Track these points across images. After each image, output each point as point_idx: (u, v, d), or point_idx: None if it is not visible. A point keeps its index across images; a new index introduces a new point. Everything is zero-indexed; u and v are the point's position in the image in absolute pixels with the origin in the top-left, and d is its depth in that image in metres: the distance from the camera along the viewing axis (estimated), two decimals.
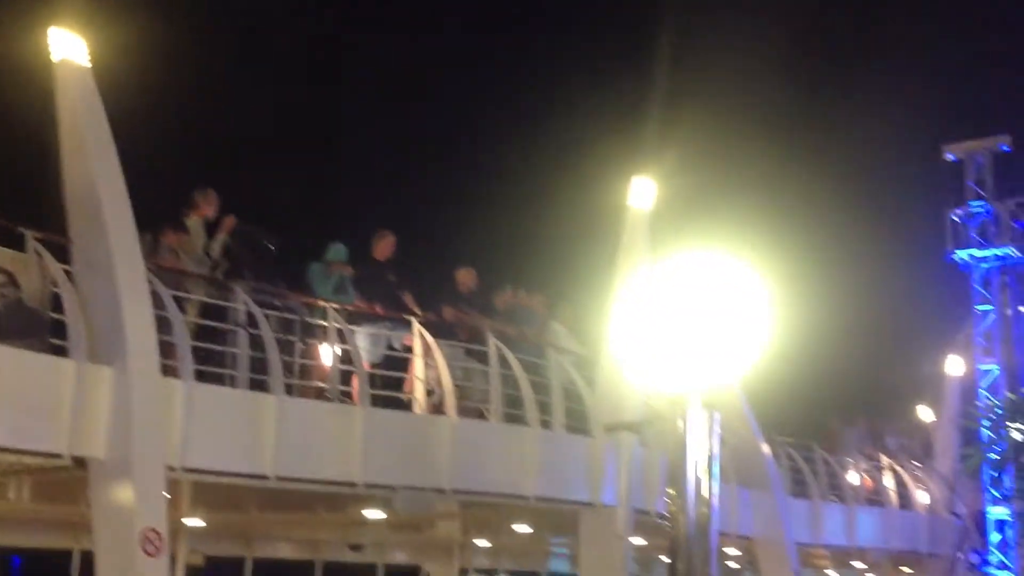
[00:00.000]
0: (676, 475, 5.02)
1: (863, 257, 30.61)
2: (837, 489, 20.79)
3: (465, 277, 13.97)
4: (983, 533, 19.76)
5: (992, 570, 18.71)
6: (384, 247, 13.20)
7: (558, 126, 28.83)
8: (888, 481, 22.05)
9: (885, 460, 22.46)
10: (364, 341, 12.24)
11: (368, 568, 20.59)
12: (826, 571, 28.29)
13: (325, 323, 11.57)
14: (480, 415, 12.80)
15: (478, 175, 28.81)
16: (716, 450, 5.07)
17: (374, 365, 12.26)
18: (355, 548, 16.28)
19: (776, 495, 18.09)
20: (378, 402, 11.56)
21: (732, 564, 26.08)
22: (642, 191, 13.44)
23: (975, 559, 20.73)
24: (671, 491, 5.01)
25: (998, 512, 18.43)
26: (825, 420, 23.83)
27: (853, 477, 21.45)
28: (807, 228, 27.77)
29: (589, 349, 14.14)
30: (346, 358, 11.61)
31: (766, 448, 18.35)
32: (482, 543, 20.34)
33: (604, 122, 25.90)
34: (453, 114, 33.02)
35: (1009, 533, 18.52)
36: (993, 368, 19.39)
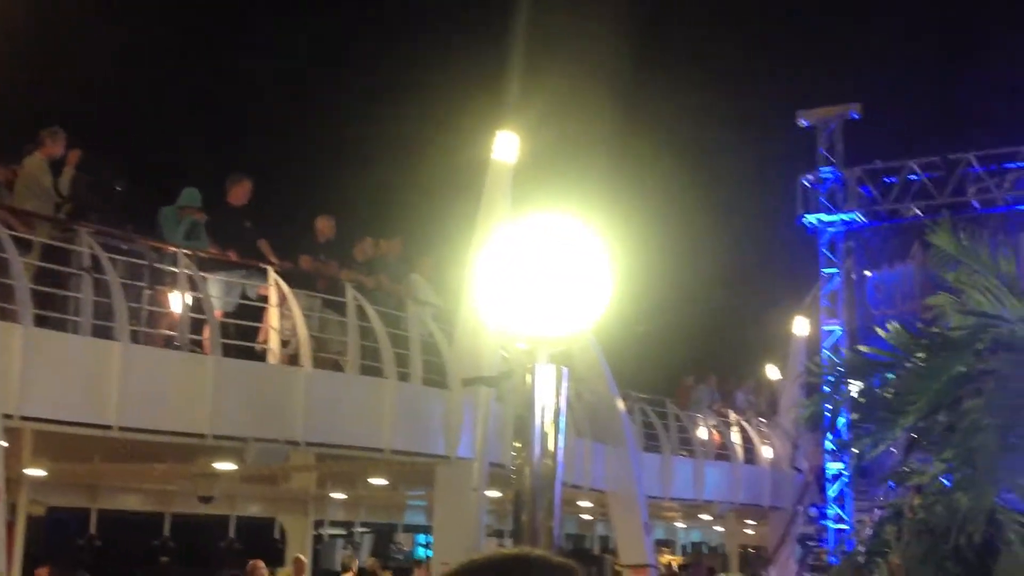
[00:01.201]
0: (522, 428, 5.04)
1: (718, 219, 31.48)
2: (687, 444, 21.44)
3: (324, 226, 13.71)
4: (822, 487, 20.65)
5: (828, 522, 19.58)
6: (240, 193, 12.82)
7: (423, 77, 28.56)
8: (735, 437, 22.84)
9: (733, 416, 23.24)
10: (217, 289, 11.93)
11: (219, 520, 20.28)
12: (675, 523, 29.27)
13: (175, 269, 11.21)
14: (337, 367, 12.65)
15: (340, 123, 28.34)
16: (564, 404, 5.11)
17: (227, 314, 11.97)
18: (206, 500, 15.96)
19: (629, 450, 18.51)
20: (230, 352, 11.30)
21: (585, 517, 26.73)
22: (505, 145, 13.40)
23: (814, 512, 21.70)
24: (517, 444, 5.03)
25: (835, 467, 19.27)
26: (678, 377, 24.48)
27: (702, 433, 22.13)
28: (663, 190, 28.35)
29: (449, 302, 14.10)
30: (197, 306, 11.29)
31: (621, 404, 18.74)
32: (338, 496, 20.26)
33: (469, 75, 25.77)
34: (317, 60, 32.36)
35: (844, 487, 19.41)
36: (836, 329, 20.17)
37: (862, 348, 7.26)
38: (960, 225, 7.34)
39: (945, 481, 5.92)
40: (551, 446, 5.07)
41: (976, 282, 6.35)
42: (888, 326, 6.81)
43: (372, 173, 27.09)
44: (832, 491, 19.67)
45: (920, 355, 6.37)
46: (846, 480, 19.23)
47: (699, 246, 30.49)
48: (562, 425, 5.06)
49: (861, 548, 6.80)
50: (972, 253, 6.53)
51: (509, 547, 2.26)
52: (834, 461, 18.70)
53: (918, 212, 18.68)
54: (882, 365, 6.74)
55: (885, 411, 6.47)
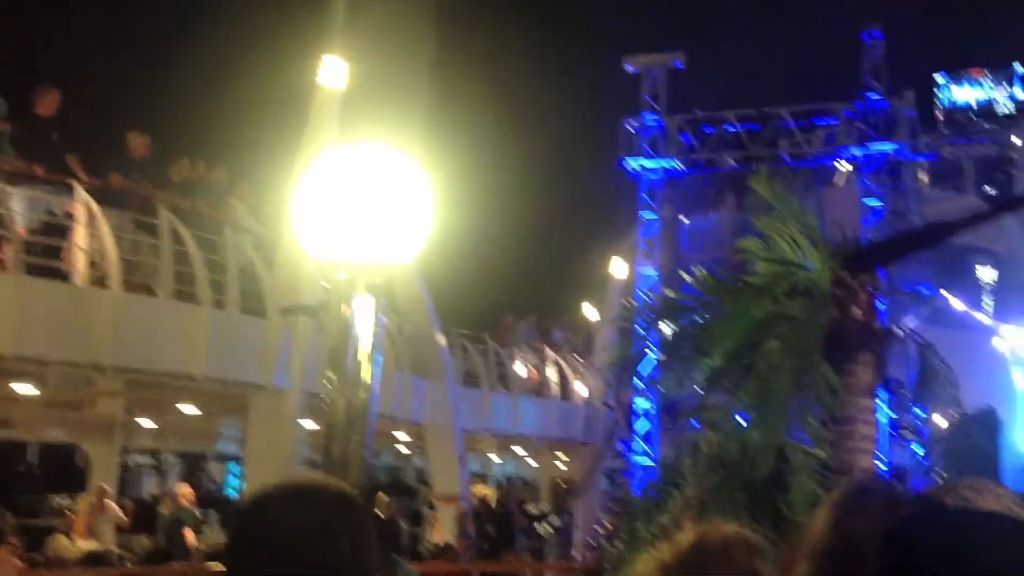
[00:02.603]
0: (337, 359, 5.02)
1: (543, 159, 31.82)
2: (505, 380, 21.85)
3: (138, 143, 13.11)
4: (630, 424, 21.43)
5: (636, 457, 20.37)
6: (47, 103, 12.10)
7: None
8: (552, 374, 23.41)
9: (550, 354, 23.78)
10: (20, 204, 11.30)
11: (18, 446, 19.47)
12: (490, 456, 29.82)
13: None
14: (149, 291, 12.24)
15: (160, 35, 27.07)
16: (380, 336, 5.11)
17: (31, 231, 11.38)
18: (3, 424, 15.28)
19: (448, 384, 18.71)
20: (34, 271, 10.77)
21: (403, 449, 26.91)
22: (332, 70, 13.12)
23: (621, 447, 22.53)
24: (331, 375, 5.00)
25: (643, 404, 20.01)
26: (498, 314, 24.82)
27: (520, 369, 22.59)
28: (488, 128, 28.40)
29: (269, 229, 13.81)
30: None
31: (442, 339, 18.88)
32: (146, 423, 19.72)
33: None
34: None
35: (651, 423, 20.20)
36: (651, 272, 20.82)
37: (670, 292, 7.55)
38: (775, 176, 7.66)
39: (740, 418, 6.24)
40: (366, 378, 5.08)
41: (782, 231, 6.66)
42: (695, 271, 7.08)
43: (193, 92, 26.05)
44: (640, 427, 20.44)
45: (725, 299, 6.65)
46: (653, 417, 20.01)
47: (523, 185, 30.80)
48: (378, 357, 5.07)
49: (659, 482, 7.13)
50: (784, 202, 6.83)
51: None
52: (643, 399, 19.40)
53: (733, 162, 19.37)
54: (689, 308, 7.01)
55: (691, 352, 6.75)
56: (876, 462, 6.65)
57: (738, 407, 6.35)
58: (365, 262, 4.77)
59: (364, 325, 5.00)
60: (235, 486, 24.24)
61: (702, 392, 6.91)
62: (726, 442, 6.13)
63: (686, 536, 2.65)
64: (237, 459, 23.10)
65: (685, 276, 7.25)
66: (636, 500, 8.14)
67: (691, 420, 7.55)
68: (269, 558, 1.53)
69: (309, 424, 13.46)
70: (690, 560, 2.55)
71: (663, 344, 7.33)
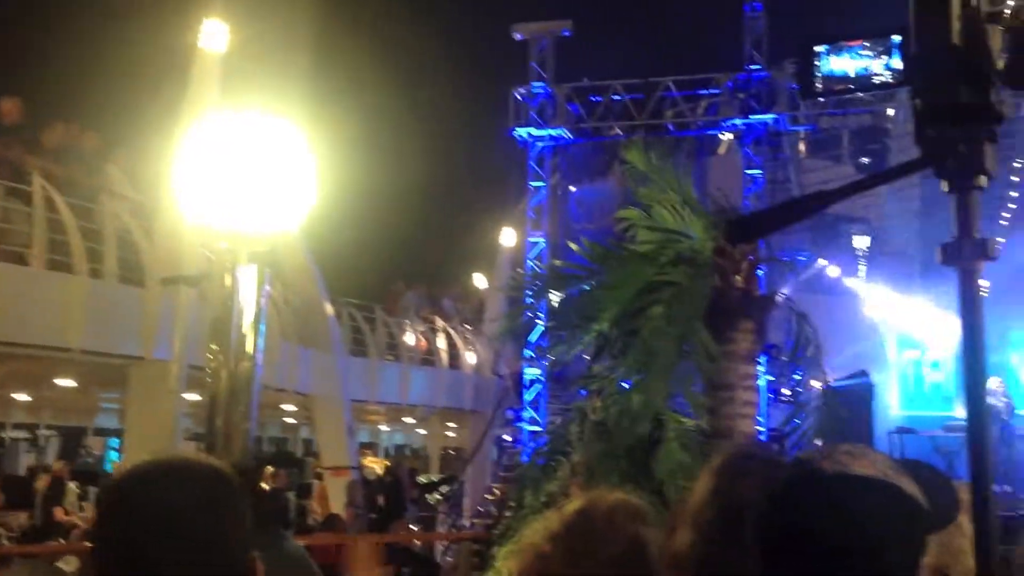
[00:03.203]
0: (220, 330, 4.91)
1: (432, 127, 31.65)
2: (394, 349, 21.77)
3: (8, 107, 12.58)
4: (520, 392, 21.59)
5: (524, 425, 20.54)
6: None
7: None
8: (441, 343, 23.41)
9: (440, 323, 23.78)
10: None
11: None
12: (379, 426, 29.74)
13: None
14: (21, 260, 11.81)
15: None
16: (264, 306, 5.01)
17: None
18: None
19: (335, 354, 18.56)
20: None
21: (289, 420, 26.63)
22: (213, 33, 12.78)
23: (511, 415, 22.70)
24: (214, 346, 4.90)
25: (532, 372, 20.17)
26: (388, 283, 24.68)
27: (409, 338, 22.53)
28: (376, 95, 28.10)
29: (148, 196, 13.42)
30: None
31: (330, 309, 18.70)
32: (21, 397, 19.09)
33: None
34: None
35: (539, 391, 20.38)
36: (540, 240, 20.94)
37: (557, 263, 7.59)
38: (655, 146, 7.75)
39: (625, 385, 6.34)
40: (250, 348, 4.98)
41: (663, 200, 6.75)
42: (583, 242, 7.14)
43: (67, 54, 25.06)
44: (529, 396, 20.62)
45: (612, 267, 6.73)
46: (542, 385, 20.20)
47: (412, 153, 30.60)
48: (262, 327, 4.98)
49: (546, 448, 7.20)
50: (661, 172, 6.92)
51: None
52: (532, 367, 19.56)
53: (619, 131, 19.54)
54: (576, 278, 7.07)
55: (579, 319, 6.81)
56: (756, 427, 6.84)
57: (621, 373, 6.45)
58: (248, 230, 4.67)
59: (248, 295, 4.91)
60: (116, 460, 23.67)
61: (589, 360, 6.98)
62: (609, 408, 6.22)
63: (572, 504, 2.69)
64: (118, 433, 22.54)
65: (572, 246, 7.30)
66: (524, 468, 8.21)
67: (579, 388, 7.64)
68: (138, 534, 1.49)
69: (193, 397, 13.20)
70: (576, 527, 2.58)
71: (551, 312, 7.38)
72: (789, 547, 1.39)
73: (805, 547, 1.37)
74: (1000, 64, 1.40)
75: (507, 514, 7.30)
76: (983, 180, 1.42)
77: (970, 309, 1.40)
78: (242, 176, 4.56)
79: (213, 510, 1.53)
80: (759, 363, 6.88)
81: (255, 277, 4.83)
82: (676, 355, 6.09)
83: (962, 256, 1.41)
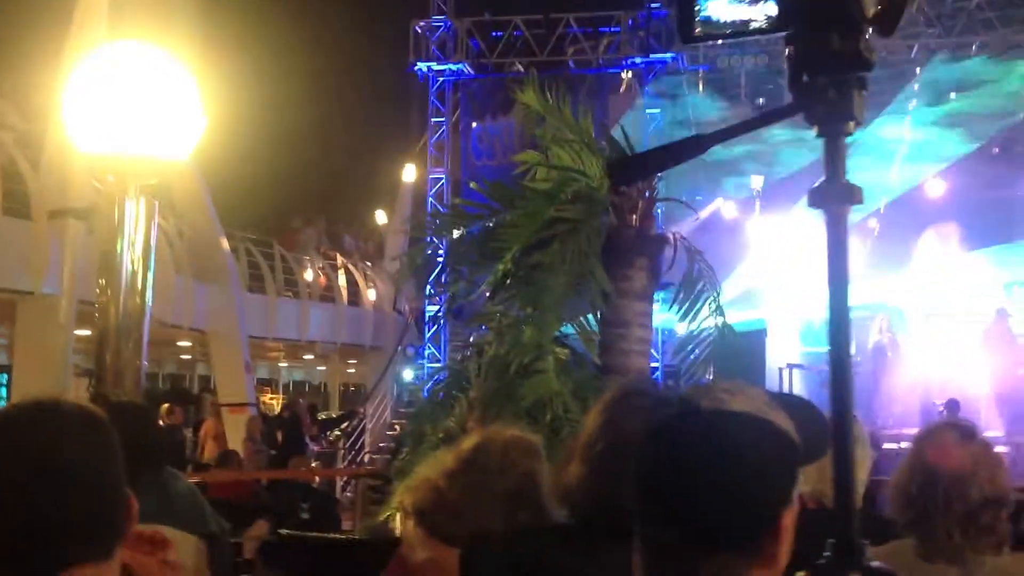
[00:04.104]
0: (108, 264, 4.81)
1: (332, 60, 31.06)
2: (293, 285, 21.52)
3: None
4: (421, 329, 21.61)
5: (425, 362, 20.59)
6: None
7: None
8: (341, 279, 23.23)
9: (340, 259, 23.56)
10: None
11: None
12: (278, 363, 29.51)
13: None
14: None
15: None
16: (154, 240, 4.92)
17: None
18: None
19: (232, 289, 18.28)
20: None
21: (185, 356, 26.22)
22: None
23: (411, 352, 22.72)
24: (102, 281, 4.80)
25: (433, 309, 20.18)
26: (286, 219, 24.32)
27: (309, 275, 22.29)
28: (274, 27, 27.45)
29: (35, 127, 12.96)
30: None
31: (225, 243, 18.37)
32: None
33: None
34: None
35: (440, 328, 20.43)
36: (442, 177, 20.83)
37: (458, 201, 7.57)
38: (555, 84, 7.74)
39: (519, 319, 6.40)
40: (139, 283, 4.89)
41: (560, 139, 6.77)
42: (484, 183, 7.13)
43: None
44: (430, 333, 20.65)
45: (512, 205, 6.74)
46: (442, 322, 20.24)
47: (313, 87, 30.01)
48: (151, 262, 4.89)
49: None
50: (556, 111, 6.94)
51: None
52: (433, 304, 19.56)
53: (520, 68, 19.45)
54: (477, 217, 7.07)
55: (479, 257, 6.83)
56: (651, 364, 6.99)
57: (517, 307, 6.51)
58: (137, 160, 4.56)
59: (138, 228, 4.81)
60: (3, 397, 23.02)
61: (488, 297, 7.02)
62: (506, 343, 6.28)
63: (468, 440, 2.75)
64: (5, 369, 21.91)
65: (473, 185, 7.30)
66: (423, 404, 8.26)
67: (478, 324, 7.68)
68: (6, 475, 1.48)
69: (84, 332, 12.91)
70: (471, 463, 2.65)
71: (451, 249, 7.38)
72: (663, 482, 1.44)
73: (680, 481, 1.42)
74: (871, 12, 1.44)
75: (405, 450, 7.35)
76: (851, 126, 1.47)
77: (837, 252, 1.45)
78: (129, 105, 4.44)
79: (82, 450, 1.53)
80: (654, 301, 7.00)
81: (144, 210, 4.74)
82: (569, 290, 6.17)
83: (829, 199, 1.46)
